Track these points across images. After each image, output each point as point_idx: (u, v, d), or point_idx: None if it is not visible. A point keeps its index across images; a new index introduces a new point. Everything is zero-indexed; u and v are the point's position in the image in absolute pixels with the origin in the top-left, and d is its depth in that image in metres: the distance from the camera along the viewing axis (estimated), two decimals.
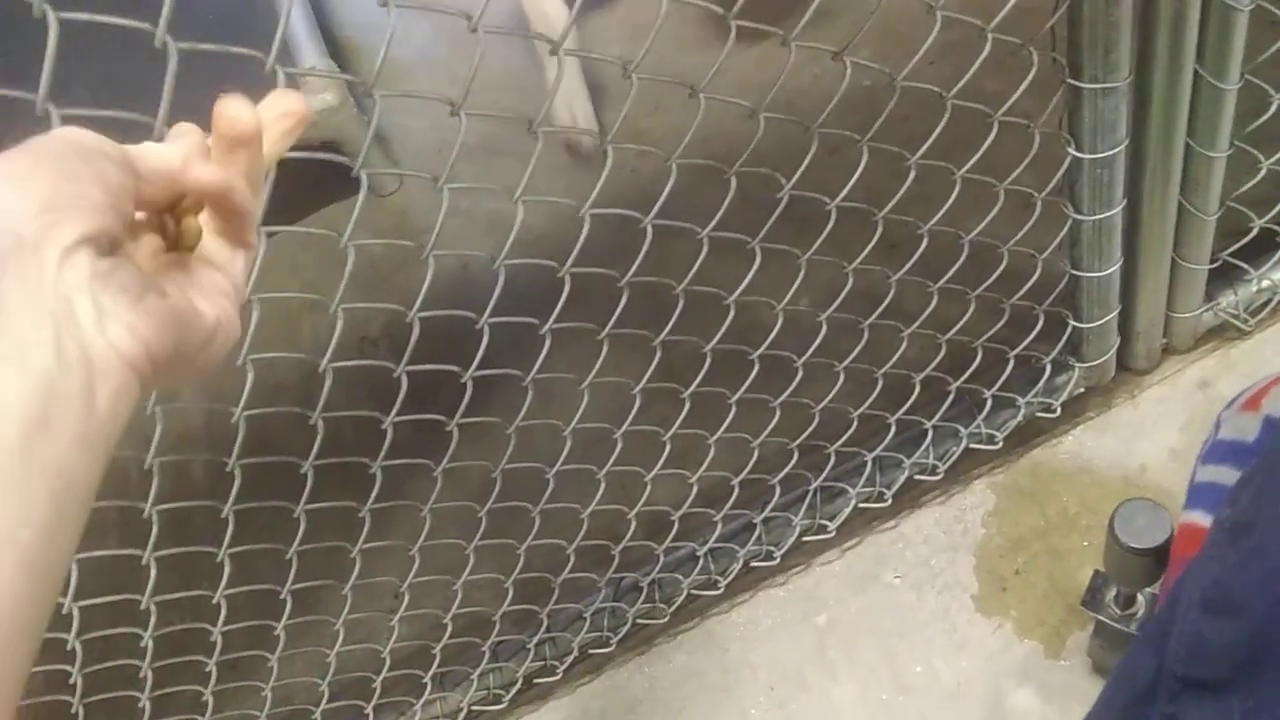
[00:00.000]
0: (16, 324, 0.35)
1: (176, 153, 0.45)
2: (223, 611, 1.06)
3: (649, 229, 0.90)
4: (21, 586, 0.34)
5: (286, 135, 0.50)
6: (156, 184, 0.44)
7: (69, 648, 0.98)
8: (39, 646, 0.37)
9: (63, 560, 0.36)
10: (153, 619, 1.00)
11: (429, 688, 1.28)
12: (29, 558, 0.34)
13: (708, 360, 1.09)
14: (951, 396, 1.26)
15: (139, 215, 0.45)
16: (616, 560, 1.26)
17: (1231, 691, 0.42)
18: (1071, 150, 0.99)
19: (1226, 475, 0.61)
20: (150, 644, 1.02)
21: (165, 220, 0.47)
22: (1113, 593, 1.08)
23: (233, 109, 0.45)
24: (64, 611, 0.95)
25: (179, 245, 0.48)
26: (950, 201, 1.04)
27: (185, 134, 0.47)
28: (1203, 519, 0.60)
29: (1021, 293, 1.18)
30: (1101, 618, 1.08)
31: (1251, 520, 0.42)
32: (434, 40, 1.90)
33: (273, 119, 0.49)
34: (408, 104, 1.78)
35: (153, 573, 0.94)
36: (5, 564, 0.34)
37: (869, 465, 1.28)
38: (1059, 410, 1.29)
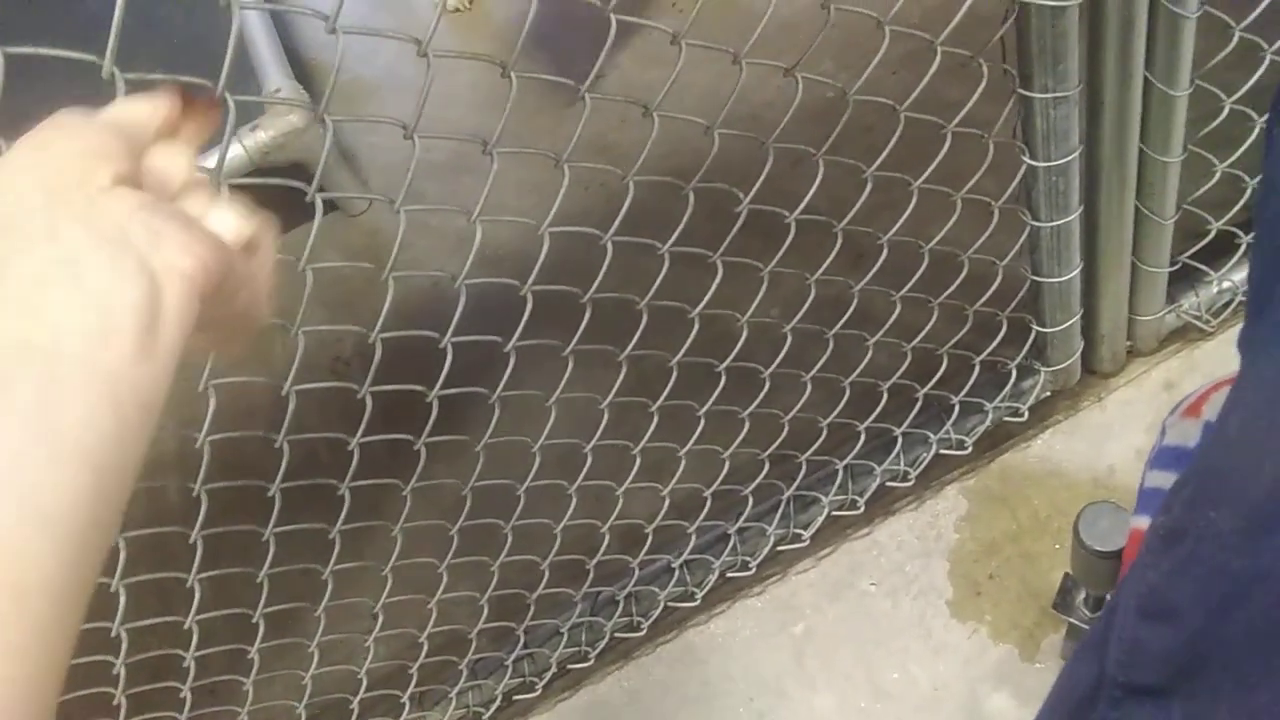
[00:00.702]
0: (73, 249, 0.36)
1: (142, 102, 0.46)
2: (194, 637, 1.06)
3: (609, 245, 0.90)
4: (88, 485, 0.35)
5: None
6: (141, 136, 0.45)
7: None
8: (105, 553, 0.37)
9: (127, 466, 0.37)
10: (124, 646, 0.99)
11: (408, 707, 1.28)
12: (94, 458, 0.35)
13: (675, 373, 1.09)
14: (920, 403, 1.27)
15: None
16: (592, 575, 1.27)
17: (1173, 696, 0.43)
18: (1026, 158, 1.00)
19: (1169, 480, 0.62)
20: (123, 671, 1.02)
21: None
22: (1082, 595, 1.09)
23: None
24: None
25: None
26: (909, 211, 1.05)
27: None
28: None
29: (984, 299, 1.19)
30: (1072, 620, 1.09)
31: (1184, 527, 0.43)
32: (400, 59, 1.91)
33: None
34: (374, 122, 1.79)
35: (122, 599, 0.94)
36: (71, 464, 0.34)
37: (840, 473, 1.28)
38: (1027, 414, 1.30)
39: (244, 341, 0.47)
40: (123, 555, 0.92)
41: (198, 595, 1.02)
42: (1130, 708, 0.44)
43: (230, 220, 0.45)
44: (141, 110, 0.45)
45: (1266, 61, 1.09)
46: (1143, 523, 0.67)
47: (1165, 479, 0.64)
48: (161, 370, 0.38)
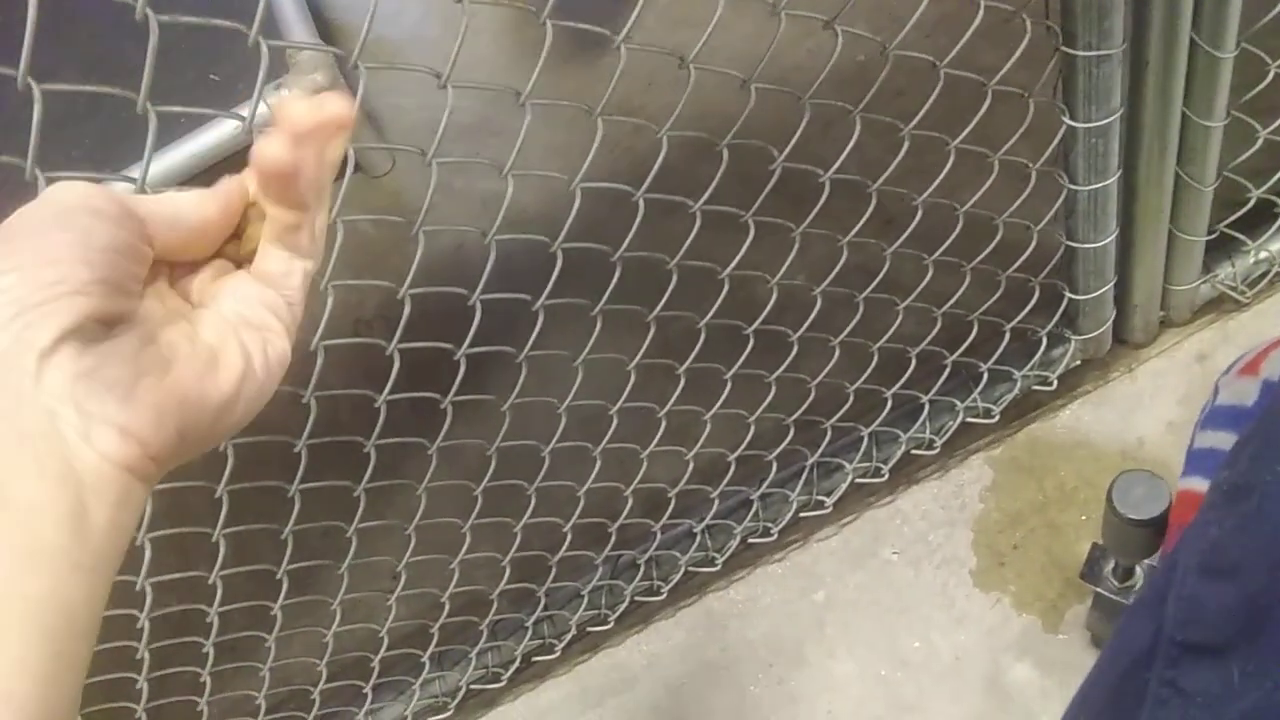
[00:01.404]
0: None
1: (191, 196, 0.41)
2: (218, 592, 1.06)
3: (640, 204, 0.89)
4: None
5: (343, 146, 0.43)
6: (173, 230, 0.40)
7: None
8: None
9: (69, 702, 0.34)
10: (148, 600, 0.99)
11: (427, 667, 1.28)
12: (29, 708, 0.32)
13: (702, 336, 1.08)
14: (947, 370, 1.26)
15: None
16: (614, 538, 1.26)
17: (1231, 655, 0.42)
18: (1066, 119, 0.98)
19: (1225, 440, 0.61)
20: (146, 625, 1.02)
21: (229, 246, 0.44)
22: (1111, 565, 1.07)
23: (290, 108, 0.40)
24: None
25: (242, 260, 0.44)
26: (945, 173, 1.03)
27: (224, 183, 0.43)
28: (1201, 485, 0.60)
29: (1017, 265, 1.17)
30: (1100, 590, 1.08)
31: (1249, 483, 0.42)
32: (425, 20, 1.89)
33: (329, 133, 0.42)
34: (399, 84, 1.78)
35: (147, 553, 0.94)
36: None
37: (865, 440, 1.27)
38: (1055, 383, 1.28)
39: (242, 425, 0.42)
40: (148, 509, 0.92)
41: (222, 551, 1.02)
42: (1187, 666, 0.43)
43: (250, 288, 0.41)
44: (166, 202, 0.39)
45: None
46: (1190, 484, 0.65)
47: (1217, 439, 0.63)
48: (98, 582, 0.34)
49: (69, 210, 0.37)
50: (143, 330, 0.38)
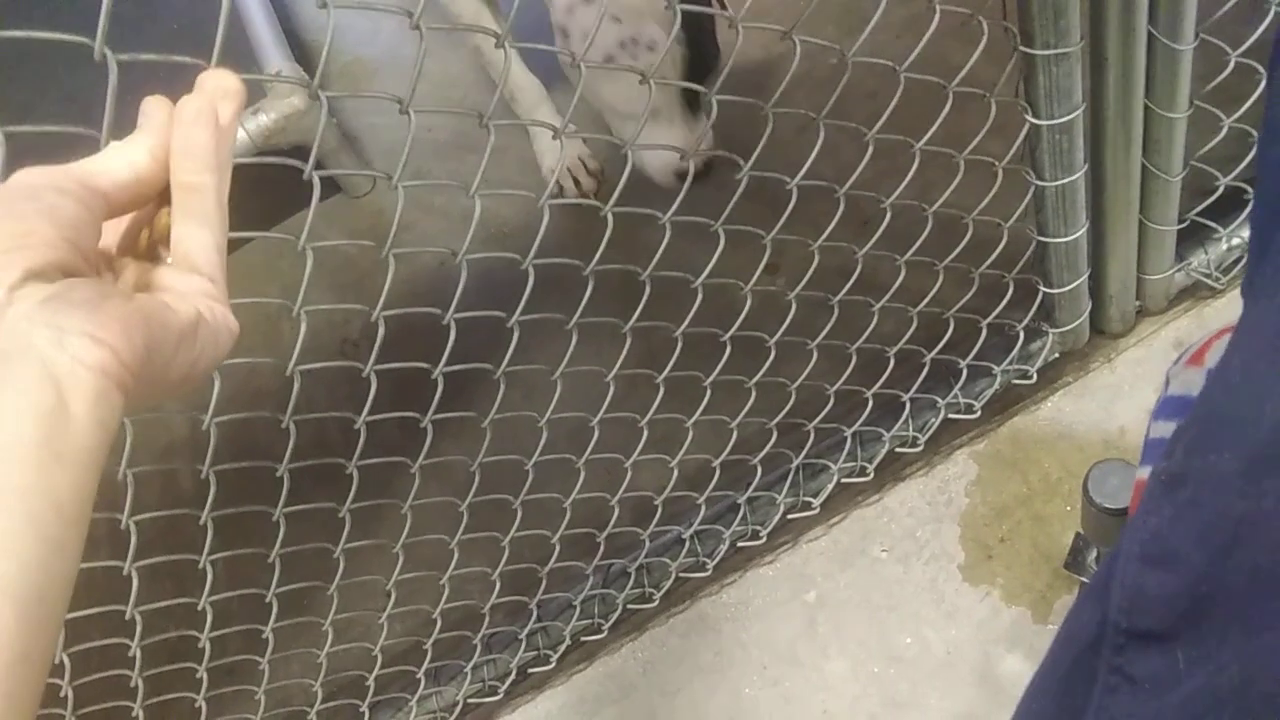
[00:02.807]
0: None
1: (142, 151, 0.46)
2: (208, 618, 1.07)
3: (609, 217, 0.90)
4: (11, 617, 0.34)
5: (236, 115, 0.50)
6: (125, 194, 0.45)
7: (57, 660, 0.99)
8: (45, 670, 0.36)
9: (60, 583, 0.36)
10: (139, 628, 1.00)
11: (423, 683, 1.28)
12: (15, 588, 0.34)
13: (680, 344, 1.09)
14: (927, 368, 1.27)
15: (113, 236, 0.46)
16: (603, 547, 1.27)
17: (1175, 641, 0.43)
18: (1029, 117, 0.99)
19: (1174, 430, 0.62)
20: (139, 653, 1.03)
21: (142, 241, 0.48)
22: (1094, 554, 1.08)
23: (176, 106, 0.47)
24: None
25: (156, 256, 0.48)
26: (911, 174, 1.04)
27: (149, 118, 0.48)
28: None
29: (990, 261, 1.18)
30: (1085, 579, 1.09)
31: (1185, 472, 0.43)
32: (400, 39, 1.90)
33: (218, 99, 0.49)
34: (376, 103, 1.79)
35: (135, 583, 0.94)
36: None
37: (849, 440, 1.28)
38: (1035, 376, 1.29)
39: (205, 375, 0.46)
40: (134, 539, 0.93)
41: (210, 576, 1.03)
42: (1134, 653, 0.44)
43: (176, 278, 0.45)
44: (115, 164, 0.44)
45: (1272, 13, 1.08)
46: (1145, 474, 0.66)
47: (1168, 429, 0.64)
48: (82, 472, 0.37)
49: (35, 187, 0.41)
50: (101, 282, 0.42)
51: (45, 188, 0.41)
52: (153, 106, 0.48)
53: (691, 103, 1.25)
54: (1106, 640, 0.44)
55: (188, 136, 0.46)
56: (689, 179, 1.01)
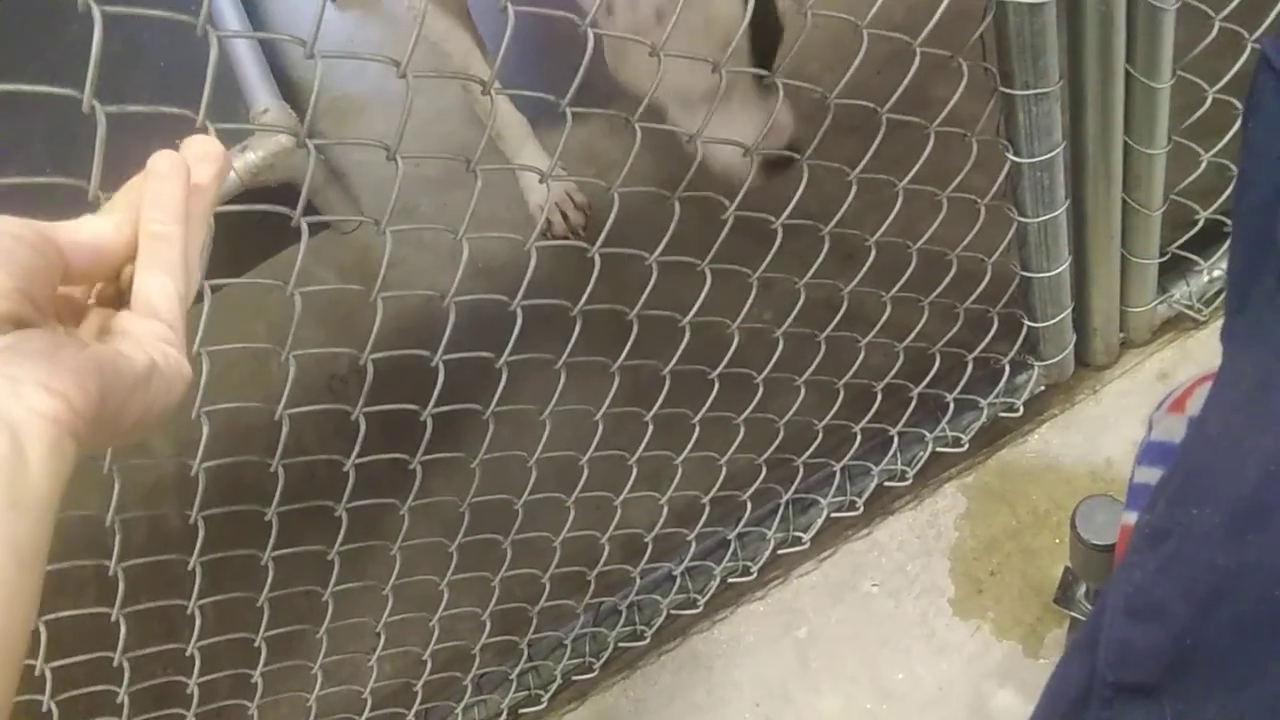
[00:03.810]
0: None
1: (108, 223, 0.47)
2: (197, 663, 1.06)
3: (596, 258, 0.91)
4: None
5: (215, 178, 0.51)
6: (84, 256, 0.45)
7: (44, 709, 0.98)
8: (5, 714, 0.37)
9: (18, 628, 0.37)
10: (126, 675, 0.99)
11: None
12: None
13: (668, 382, 1.09)
14: (914, 402, 1.27)
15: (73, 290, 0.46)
16: (593, 585, 1.27)
17: (1162, 694, 0.43)
18: (1010, 155, 1.00)
19: (1156, 476, 0.62)
20: (126, 700, 1.02)
21: (107, 291, 0.49)
22: (1083, 589, 1.09)
23: (158, 160, 0.48)
24: (36, 673, 0.95)
25: (120, 304, 0.49)
26: (896, 211, 1.05)
27: (115, 205, 0.48)
28: None
29: (975, 296, 1.19)
30: (1074, 614, 1.09)
31: (1168, 526, 0.43)
32: (388, 74, 1.91)
33: (195, 160, 0.50)
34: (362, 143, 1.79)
35: (122, 629, 0.94)
36: None
37: (838, 475, 1.28)
38: (1022, 409, 1.30)
39: (162, 420, 0.47)
40: (122, 585, 0.93)
41: (199, 621, 1.02)
42: (1122, 706, 0.44)
43: (135, 323, 0.46)
44: (78, 225, 0.45)
45: (1248, 50, 1.09)
46: (1133, 518, 0.67)
47: (1153, 474, 0.65)
48: (38, 519, 0.38)
49: (12, 235, 0.42)
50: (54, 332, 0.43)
51: (2, 234, 0.42)
52: (128, 187, 0.49)
53: (761, 79, 1.09)
54: (1095, 694, 0.45)
55: (159, 189, 0.47)
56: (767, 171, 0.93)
